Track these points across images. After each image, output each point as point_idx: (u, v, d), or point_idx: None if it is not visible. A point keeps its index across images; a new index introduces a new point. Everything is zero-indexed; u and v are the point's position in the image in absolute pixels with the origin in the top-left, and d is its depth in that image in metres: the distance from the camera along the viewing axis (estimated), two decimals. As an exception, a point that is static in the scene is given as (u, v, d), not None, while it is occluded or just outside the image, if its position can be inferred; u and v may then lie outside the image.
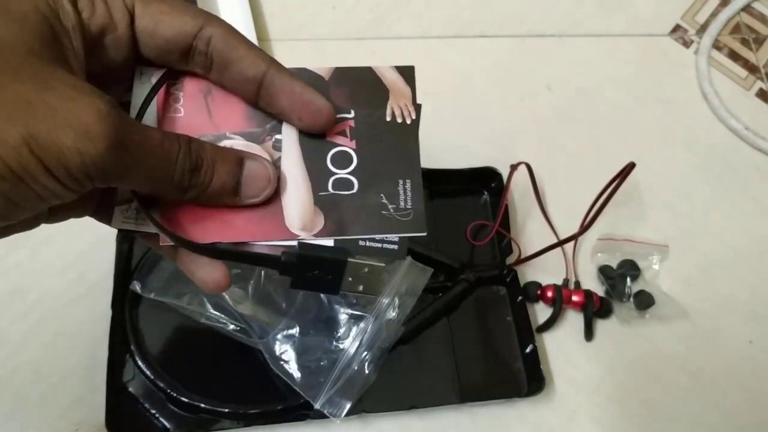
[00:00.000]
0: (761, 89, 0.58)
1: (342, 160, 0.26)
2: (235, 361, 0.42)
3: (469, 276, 0.46)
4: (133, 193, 0.24)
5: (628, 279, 0.47)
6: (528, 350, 0.44)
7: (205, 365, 0.42)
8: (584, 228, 0.45)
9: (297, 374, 0.40)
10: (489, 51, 0.57)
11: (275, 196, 0.25)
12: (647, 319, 0.47)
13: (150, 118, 0.25)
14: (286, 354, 0.41)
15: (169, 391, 0.40)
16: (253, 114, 0.26)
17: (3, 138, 0.18)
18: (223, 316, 0.41)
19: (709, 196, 0.52)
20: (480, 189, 0.50)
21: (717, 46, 0.59)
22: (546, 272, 0.48)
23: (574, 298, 0.46)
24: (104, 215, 0.26)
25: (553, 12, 0.59)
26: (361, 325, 0.41)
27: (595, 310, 0.46)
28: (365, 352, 0.40)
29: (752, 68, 0.59)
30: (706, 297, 0.48)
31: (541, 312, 0.47)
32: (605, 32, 0.59)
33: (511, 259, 0.47)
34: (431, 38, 0.57)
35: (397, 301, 0.41)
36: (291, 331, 0.41)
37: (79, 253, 0.45)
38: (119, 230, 0.25)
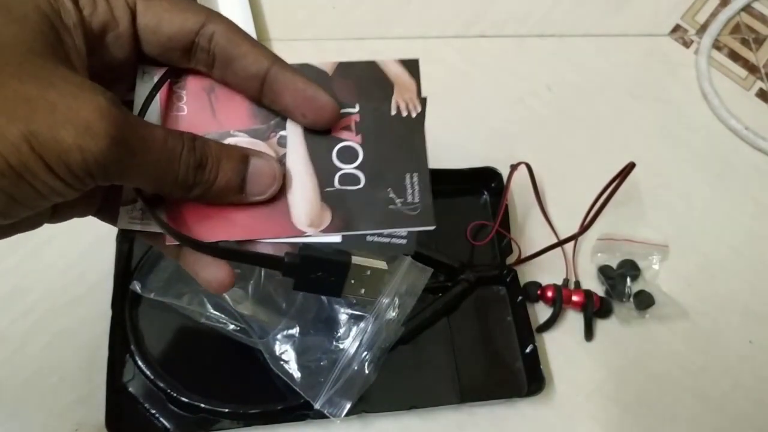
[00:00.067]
0: (761, 89, 0.58)
1: (348, 155, 0.26)
2: (235, 361, 0.42)
3: (469, 276, 0.46)
4: (138, 193, 0.24)
5: (628, 279, 0.47)
6: (528, 350, 0.44)
7: (205, 365, 0.42)
8: (584, 228, 0.45)
9: (297, 374, 0.40)
10: (489, 51, 0.57)
11: (281, 193, 0.25)
12: (647, 319, 0.47)
13: (153, 117, 0.25)
14: (286, 354, 0.41)
15: (169, 391, 0.40)
16: (257, 111, 0.26)
17: (3, 135, 0.18)
18: (223, 316, 0.41)
19: (709, 196, 0.52)
20: (480, 189, 0.50)
21: (717, 46, 0.59)
22: (546, 272, 0.48)
23: (574, 298, 0.46)
24: (108, 215, 0.26)
25: (553, 12, 0.59)
26: (361, 325, 0.41)
27: (595, 310, 0.46)
28: (365, 352, 0.40)
29: (752, 68, 0.59)
30: (706, 297, 0.48)
31: (541, 312, 0.47)
32: (605, 32, 0.59)
33: (511, 259, 0.47)
34: (431, 38, 0.57)
35: (397, 301, 0.41)
36: (291, 331, 0.41)
37: (79, 253, 0.45)
38: (124, 230, 0.25)
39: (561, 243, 0.46)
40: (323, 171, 0.26)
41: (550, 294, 0.46)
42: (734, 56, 0.59)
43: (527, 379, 0.44)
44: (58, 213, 0.25)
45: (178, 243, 0.24)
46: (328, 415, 0.39)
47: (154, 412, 0.40)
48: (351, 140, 0.26)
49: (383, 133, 0.26)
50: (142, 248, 0.44)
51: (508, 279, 0.47)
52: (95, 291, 0.44)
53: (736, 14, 0.61)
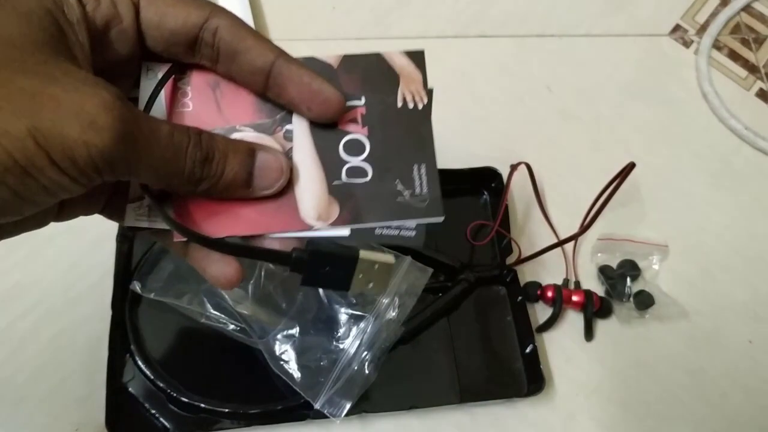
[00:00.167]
0: (761, 89, 0.58)
1: (355, 147, 0.26)
2: (235, 361, 0.42)
3: (469, 276, 0.46)
4: (145, 189, 0.24)
5: (628, 279, 0.47)
6: (528, 350, 0.44)
7: (205, 365, 0.42)
8: (584, 228, 0.45)
9: (297, 374, 0.40)
10: (489, 51, 0.57)
11: (288, 187, 0.25)
12: (647, 319, 0.47)
13: (158, 113, 0.25)
14: (286, 354, 0.40)
15: (169, 391, 0.40)
16: (262, 105, 0.26)
17: (8, 130, 0.18)
18: (223, 316, 0.41)
19: (709, 196, 0.52)
20: (480, 189, 0.50)
21: (717, 46, 0.59)
22: (546, 272, 0.48)
23: (574, 298, 0.46)
24: (114, 212, 0.26)
25: (553, 12, 0.59)
26: (361, 325, 0.41)
27: (595, 310, 0.46)
28: (365, 352, 0.40)
29: (752, 68, 0.59)
30: (706, 297, 0.48)
31: (541, 312, 0.47)
32: (605, 32, 0.59)
33: (511, 259, 0.47)
34: (431, 38, 0.57)
35: (397, 301, 0.41)
36: (291, 331, 0.41)
37: (79, 253, 0.45)
38: (128, 228, 0.25)
39: (561, 243, 0.46)
40: (330, 164, 0.26)
41: (550, 294, 0.46)
42: (734, 56, 0.59)
43: (527, 379, 0.44)
44: (64, 211, 0.25)
45: (185, 239, 0.24)
46: (328, 415, 0.39)
47: (154, 412, 0.40)
48: (357, 133, 0.26)
49: (390, 125, 0.26)
50: (142, 248, 0.44)
51: (508, 279, 0.47)
52: (95, 291, 0.44)
53: (736, 14, 0.61)
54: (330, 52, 0.26)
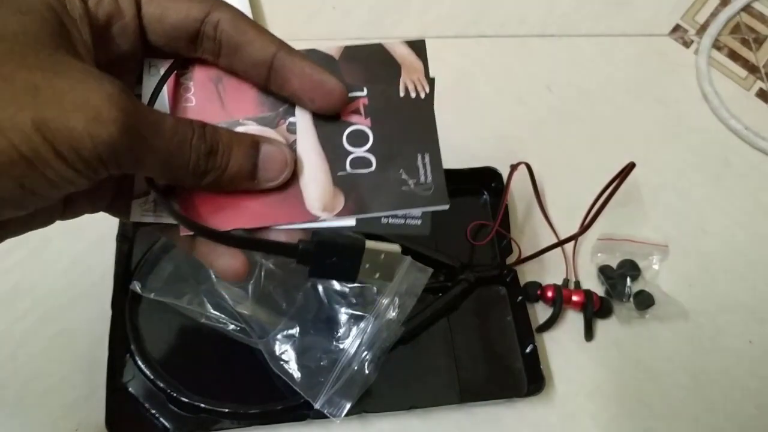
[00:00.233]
0: (761, 89, 0.58)
1: (358, 138, 0.26)
2: (235, 361, 0.42)
3: (469, 276, 0.46)
4: (150, 184, 0.24)
5: (628, 279, 0.47)
6: (528, 350, 0.44)
7: (205, 365, 0.42)
8: (584, 228, 0.45)
9: (297, 374, 0.40)
10: (489, 51, 0.57)
11: (293, 178, 0.25)
12: (647, 319, 0.47)
13: (161, 108, 0.25)
14: (286, 354, 0.40)
15: (169, 391, 0.40)
16: (265, 98, 0.26)
17: (14, 123, 0.18)
18: (223, 316, 0.41)
19: (709, 196, 0.52)
20: (480, 189, 0.50)
21: (717, 46, 0.59)
22: (546, 272, 0.48)
23: (574, 298, 0.46)
24: (119, 209, 0.26)
25: (553, 12, 0.59)
26: (361, 325, 0.41)
27: (595, 310, 0.46)
28: (365, 352, 0.40)
29: (752, 68, 0.59)
30: (707, 297, 0.48)
31: (541, 312, 0.47)
32: (605, 32, 0.59)
33: (511, 259, 0.47)
34: (431, 38, 0.57)
35: (397, 301, 0.41)
36: (291, 331, 0.41)
37: (79, 253, 0.45)
38: (137, 223, 0.25)
39: (561, 243, 0.46)
40: (334, 155, 0.26)
41: (550, 294, 0.46)
42: (734, 56, 0.59)
43: (527, 379, 0.44)
44: (70, 208, 0.25)
45: (192, 233, 0.24)
46: (328, 415, 0.39)
47: (154, 412, 0.40)
48: (361, 123, 0.26)
49: (393, 115, 0.26)
50: (142, 248, 0.44)
51: (508, 279, 0.47)
52: (95, 291, 0.44)
53: (736, 14, 0.61)
54: (330, 49, 0.26)
